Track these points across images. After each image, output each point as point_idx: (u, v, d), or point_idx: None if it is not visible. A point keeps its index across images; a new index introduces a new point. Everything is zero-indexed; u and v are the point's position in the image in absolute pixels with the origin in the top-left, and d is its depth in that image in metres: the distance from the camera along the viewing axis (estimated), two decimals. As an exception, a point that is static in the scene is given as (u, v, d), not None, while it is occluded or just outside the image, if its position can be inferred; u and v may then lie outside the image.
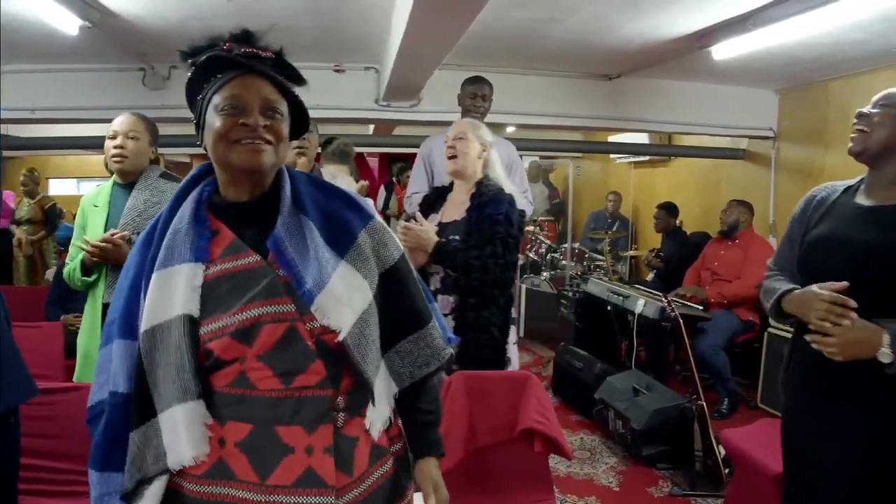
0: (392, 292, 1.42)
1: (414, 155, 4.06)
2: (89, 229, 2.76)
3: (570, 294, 6.67)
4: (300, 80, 1.42)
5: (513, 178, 4.00)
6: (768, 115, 6.39)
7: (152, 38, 4.48)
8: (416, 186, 3.93)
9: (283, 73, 1.39)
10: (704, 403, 3.79)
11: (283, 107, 1.37)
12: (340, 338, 1.28)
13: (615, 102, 6.08)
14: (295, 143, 2.82)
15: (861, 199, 1.99)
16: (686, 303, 5.18)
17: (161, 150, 3.04)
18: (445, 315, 2.78)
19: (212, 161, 1.38)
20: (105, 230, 2.72)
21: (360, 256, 1.37)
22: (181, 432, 1.26)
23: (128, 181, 2.81)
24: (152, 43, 4.63)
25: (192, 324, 1.27)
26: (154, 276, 1.30)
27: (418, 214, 2.87)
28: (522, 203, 3.83)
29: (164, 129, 3.19)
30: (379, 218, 1.47)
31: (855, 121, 1.97)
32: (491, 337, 2.76)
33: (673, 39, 4.54)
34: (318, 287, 1.28)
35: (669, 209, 7.00)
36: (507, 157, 4.03)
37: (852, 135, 1.96)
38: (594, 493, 3.77)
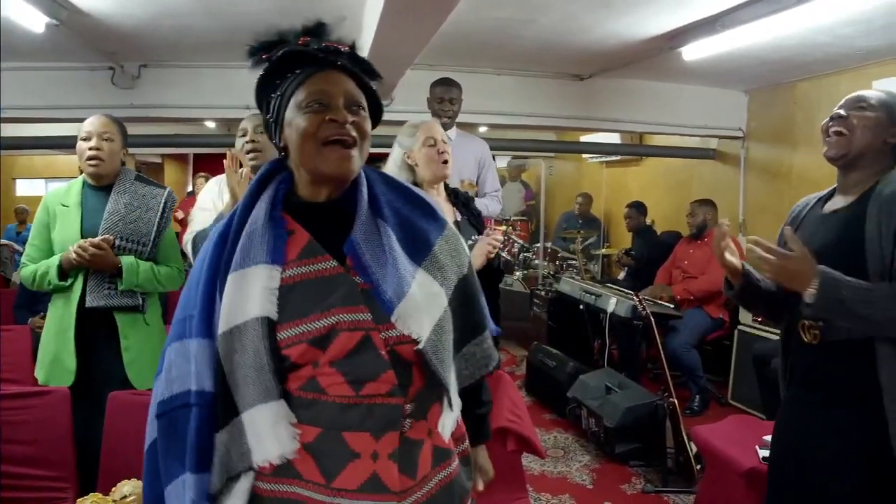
0: (464, 299, 1.42)
1: (386, 155, 4.04)
2: (59, 230, 2.72)
3: (543, 293, 6.69)
4: (375, 75, 1.41)
5: (485, 177, 4.01)
6: (737, 115, 6.46)
7: (121, 36, 4.42)
8: None
9: (360, 68, 1.38)
10: (676, 401, 3.82)
11: (364, 102, 1.36)
12: (421, 345, 1.28)
13: (587, 102, 6.11)
14: (248, 145, 2.77)
15: (827, 206, 2.01)
16: (657, 301, 5.22)
17: (132, 151, 3.02)
18: None
19: (294, 160, 1.36)
20: (81, 232, 2.69)
21: (436, 265, 1.36)
22: (266, 431, 1.26)
23: (101, 183, 2.78)
24: (122, 41, 4.57)
25: (270, 326, 1.26)
26: (230, 277, 1.29)
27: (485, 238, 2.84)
28: (493, 204, 3.84)
29: (134, 130, 3.15)
30: (452, 225, 1.47)
31: (830, 123, 1.95)
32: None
33: (644, 40, 4.57)
34: (397, 296, 1.28)
35: (639, 207, 7.06)
36: (480, 156, 4.04)
37: (828, 139, 1.94)
38: (568, 490, 3.79)
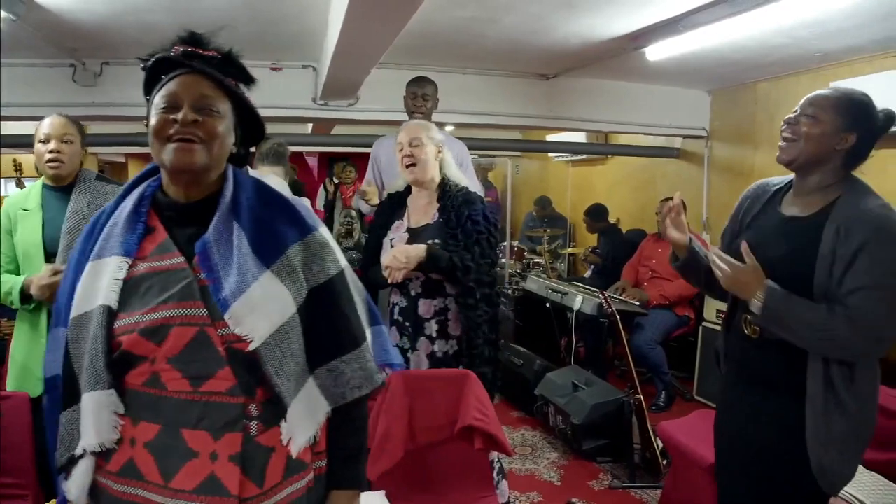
0: (323, 310, 1.40)
1: (353, 154, 4.03)
2: (21, 235, 2.66)
3: (510, 292, 6.71)
4: (248, 80, 1.44)
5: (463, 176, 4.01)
6: (701, 114, 6.54)
7: (83, 33, 4.34)
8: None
9: (229, 73, 1.39)
10: (642, 397, 3.87)
11: (222, 105, 1.36)
12: (252, 347, 1.27)
13: (552, 102, 6.14)
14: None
15: (785, 208, 2.03)
16: (623, 299, 5.27)
17: (95, 150, 2.98)
18: (428, 319, 2.83)
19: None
20: (43, 235, 2.65)
21: (287, 268, 1.35)
22: (88, 419, 1.28)
23: (61, 184, 2.73)
24: (83, 38, 4.49)
25: (110, 315, 1.28)
26: (88, 265, 1.34)
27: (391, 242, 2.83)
28: None
29: (96, 128, 3.10)
30: (322, 232, 1.44)
31: (783, 126, 1.97)
32: (485, 334, 2.81)
33: (608, 40, 4.61)
34: (233, 296, 1.28)
35: (595, 214, 7.11)
36: (458, 156, 4.04)
37: (780, 143, 1.97)
38: (536, 488, 3.81)
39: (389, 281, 2.75)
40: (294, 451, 1.33)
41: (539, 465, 4.12)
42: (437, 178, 2.91)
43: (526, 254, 8.14)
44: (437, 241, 2.79)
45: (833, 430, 1.82)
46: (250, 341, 1.27)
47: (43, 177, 2.76)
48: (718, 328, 4.91)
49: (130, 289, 1.30)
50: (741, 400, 2.05)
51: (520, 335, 6.14)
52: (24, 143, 3.39)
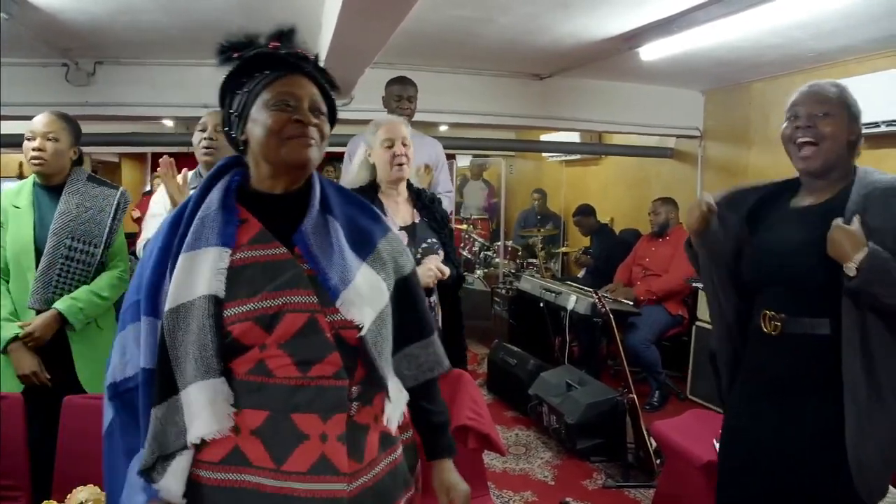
0: (405, 299, 1.50)
1: (342, 154, 4.01)
2: (12, 232, 2.64)
3: (504, 291, 6.72)
4: (335, 86, 1.50)
5: (437, 177, 4.00)
6: (695, 114, 6.56)
7: (76, 32, 4.33)
8: (346, 184, 3.91)
9: (326, 80, 1.48)
10: (636, 396, 3.87)
11: (325, 108, 1.44)
12: (362, 333, 1.34)
13: (546, 102, 6.15)
14: (205, 141, 2.79)
15: (796, 202, 2.00)
16: (617, 298, 5.28)
17: (88, 150, 2.96)
18: None
19: (254, 153, 1.42)
20: (34, 234, 2.64)
21: (379, 261, 1.45)
22: (203, 408, 1.29)
23: (50, 183, 2.72)
24: (76, 37, 4.48)
25: (217, 304, 1.30)
26: (181, 257, 1.34)
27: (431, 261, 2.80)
28: (446, 205, 3.83)
29: (90, 128, 3.09)
30: (393, 231, 1.55)
31: (798, 133, 1.91)
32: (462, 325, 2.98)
33: (602, 40, 4.62)
34: (342, 283, 1.34)
35: (584, 212, 7.12)
36: (434, 157, 4.03)
37: (803, 151, 1.89)
38: (530, 487, 3.81)
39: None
40: (392, 427, 1.44)
41: (533, 465, 4.12)
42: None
43: (520, 253, 8.16)
44: (434, 239, 2.81)
45: (874, 425, 1.76)
46: (360, 327, 1.34)
47: (34, 175, 2.75)
48: (712, 328, 4.94)
49: (233, 278, 1.33)
50: (767, 406, 1.97)
51: (514, 335, 6.15)
52: (13, 142, 3.39)
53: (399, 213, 2.86)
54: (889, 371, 1.78)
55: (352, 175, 2.97)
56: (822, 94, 1.91)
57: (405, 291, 1.51)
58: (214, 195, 1.41)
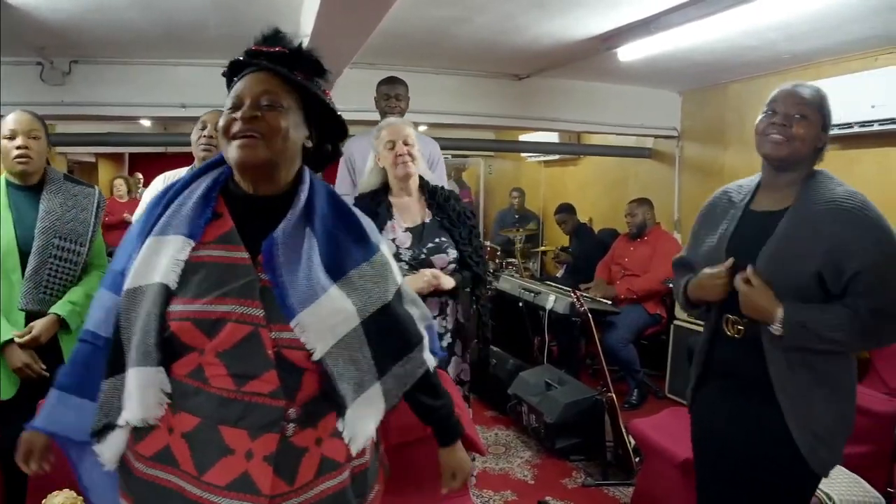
0: (385, 325, 1.42)
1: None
2: None
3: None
4: (320, 72, 1.46)
5: (432, 177, 4.02)
6: (672, 115, 6.61)
7: (51, 30, 4.28)
8: (342, 188, 3.91)
9: (299, 68, 1.42)
10: (614, 395, 3.89)
11: (287, 100, 1.39)
12: (315, 357, 1.30)
13: (525, 102, 6.17)
14: (204, 139, 2.80)
15: (756, 205, 2.05)
16: (595, 297, 5.30)
17: (64, 150, 2.94)
18: (435, 316, 2.88)
19: None
20: (16, 234, 2.59)
21: (352, 286, 1.37)
22: (134, 393, 1.29)
23: (27, 183, 2.68)
24: (51, 35, 4.42)
25: (166, 295, 1.29)
26: (149, 240, 1.35)
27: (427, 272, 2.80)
28: None
29: (65, 128, 3.06)
30: (384, 251, 1.49)
31: (771, 125, 1.95)
32: (487, 316, 3.05)
33: (580, 41, 4.64)
34: (301, 304, 1.29)
35: (568, 210, 7.14)
36: (429, 155, 4.04)
37: (769, 136, 1.94)
38: (510, 487, 3.82)
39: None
40: (355, 449, 1.40)
41: (513, 464, 4.13)
42: (418, 178, 2.92)
43: (499, 253, 8.16)
44: (444, 238, 2.83)
45: (811, 412, 1.86)
46: (311, 351, 1.30)
47: (5, 174, 2.70)
48: (690, 326, 5.00)
49: (189, 272, 1.31)
50: (729, 404, 2.04)
51: (493, 334, 6.13)
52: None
53: (408, 213, 2.87)
54: (816, 362, 1.88)
55: (363, 181, 3.03)
56: (802, 96, 1.94)
57: (385, 317, 1.43)
58: (200, 184, 1.40)
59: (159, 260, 1.31)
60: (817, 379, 1.88)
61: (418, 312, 1.55)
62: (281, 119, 1.36)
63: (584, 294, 5.10)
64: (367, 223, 1.50)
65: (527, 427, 4.47)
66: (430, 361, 1.54)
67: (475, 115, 6.13)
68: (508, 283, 5.99)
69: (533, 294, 5.41)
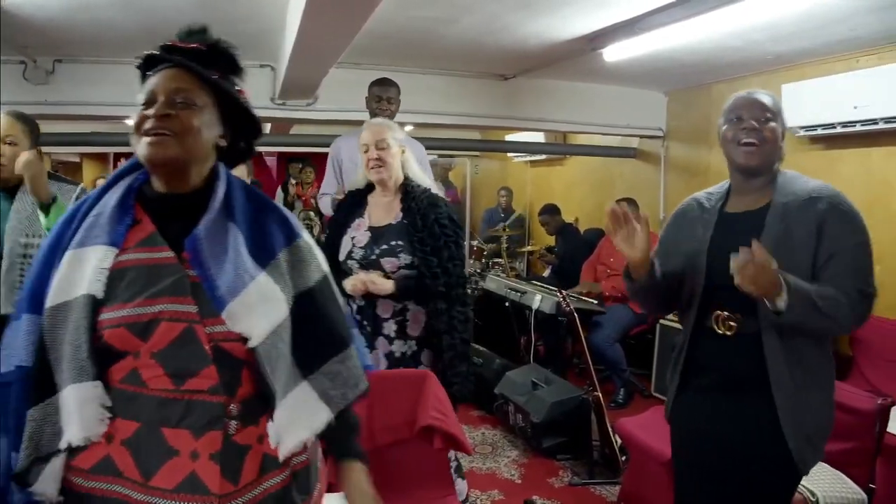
0: (312, 313, 1.40)
1: (311, 154, 4.01)
2: None
3: (470, 291, 6.73)
4: (235, 70, 1.44)
5: None
6: (658, 115, 6.64)
7: (34, 29, 4.24)
8: (328, 188, 3.91)
9: (215, 65, 1.40)
10: (601, 394, 3.91)
11: (201, 98, 1.36)
12: (251, 345, 1.28)
13: (511, 102, 6.18)
14: None
15: (731, 208, 2.09)
16: (581, 297, 5.32)
17: (48, 149, 2.90)
18: (386, 319, 2.83)
19: None
20: None
21: (279, 271, 1.36)
22: (73, 413, 1.24)
23: (7, 185, 2.66)
24: (34, 34, 4.38)
25: (94, 306, 1.25)
26: (67, 254, 1.30)
27: (362, 274, 2.78)
28: None
29: (50, 127, 3.03)
30: (306, 238, 1.46)
31: (742, 133, 1.98)
32: (460, 334, 2.81)
33: (566, 41, 4.64)
34: (230, 294, 1.28)
35: (552, 211, 7.16)
36: (416, 158, 4.04)
37: (743, 147, 1.98)
38: (497, 486, 3.83)
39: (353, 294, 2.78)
40: (282, 453, 1.33)
41: (499, 464, 4.14)
42: (400, 178, 2.91)
43: (485, 252, 8.18)
44: (400, 242, 2.79)
45: (803, 413, 1.89)
46: (245, 340, 1.28)
47: None
48: (676, 326, 5.01)
49: (115, 280, 1.28)
50: (714, 402, 2.04)
51: (479, 334, 6.14)
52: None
53: (377, 212, 2.88)
54: (810, 360, 1.92)
55: (353, 179, 3.06)
56: (764, 101, 2.01)
57: (311, 304, 1.40)
58: (114, 194, 1.37)
59: (81, 272, 1.28)
60: (813, 380, 1.91)
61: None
62: (194, 118, 1.34)
63: (571, 293, 5.12)
64: (289, 214, 1.49)
65: (513, 426, 4.48)
66: (365, 381, 1.48)
67: (461, 115, 6.13)
68: (495, 282, 6.01)
69: (519, 293, 5.42)
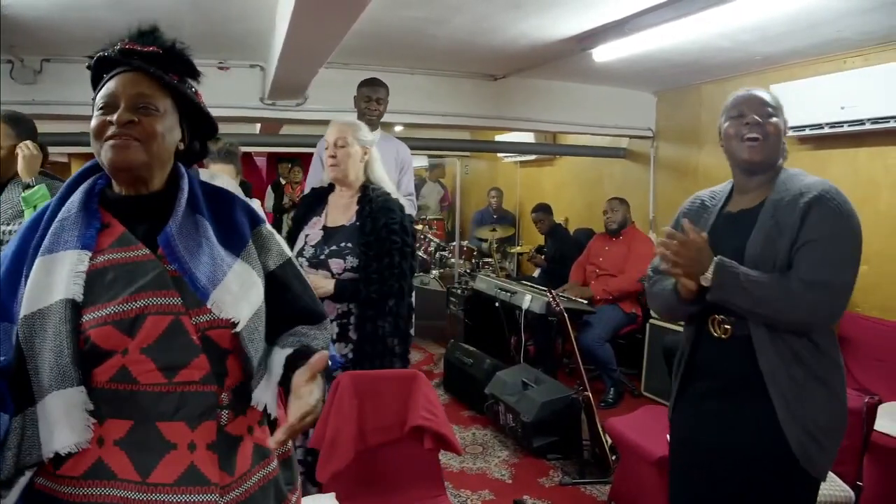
0: (280, 295, 1.44)
1: (301, 154, 4.00)
2: None
3: (460, 291, 6.74)
4: (193, 74, 1.43)
5: (402, 178, 4.01)
6: (647, 115, 6.66)
7: (21, 28, 4.21)
8: (312, 184, 3.90)
9: (172, 69, 1.38)
10: (591, 394, 3.91)
11: (162, 102, 1.35)
12: (238, 329, 1.29)
13: (501, 102, 6.18)
14: None
15: (731, 208, 2.08)
16: (571, 297, 5.32)
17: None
18: (332, 321, 2.78)
19: None
20: None
21: (252, 257, 1.41)
22: (59, 420, 1.22)
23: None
24: (21, 34, 4.35)
25: (74, 309, 1.24)
26: (38, 261, 1.28)
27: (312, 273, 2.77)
28: (408, 207, 3.84)
29: (39, 127, 3.01)
30: (266, 224, 1.50)
31: (745, 128, 1.98)
32: (387, 347, 2.78)
33: (556, 41, 4.65)
34: (212, 283, 1.30)
35: (546, 210, 7.18)
36: (399, 159, 4.04)
37: (746, 143, 1.98)
38: (487, 486, 3.83)
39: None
40: (272, 410, 1.36)
41: (490, 464, 4.14)
42: (360, 180, 2.90)
43: (475, 253, 8.18)
44: (349, 244, 2.78)
45: (803, 409, 1.86)
46: (235, 323, 1.30)
47: None
48: (666, 325, 5.04)
49: (92, 282, 1.27)
50: (715, 405, 2.02)
51: (470, 334, 6.17)
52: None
53: (334, 213, 2.88)
54: (806, 357, 1.89)
55: (320, 176, 3.02)
56: (764, 98, 2.02)
57: (281, 283, 1.45)
58: (75, 198, 1.35)
59: (54, 278, 1.26)
60: (810, 375, 1.88)
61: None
62: (157, 124, 1.33)
63: (560, 294, 5.13)
64: (250, 202, 1.51)
65: (504, 426, 4.48)
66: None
67: (451, 115, 6.13)
68: (485, 282, 6.01)
69: (509, 294, 5.42)
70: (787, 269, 1.86)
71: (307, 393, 1.25)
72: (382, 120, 4.16)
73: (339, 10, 3.13)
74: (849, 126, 4.30)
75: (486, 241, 8.05)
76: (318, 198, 2.99)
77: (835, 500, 2.66)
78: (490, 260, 7.81)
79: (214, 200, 1.44)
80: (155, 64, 1.36)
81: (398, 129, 7.23)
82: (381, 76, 4.05)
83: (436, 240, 8.82)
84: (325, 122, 2.96)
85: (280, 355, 1.38)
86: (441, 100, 6.00)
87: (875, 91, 4.14)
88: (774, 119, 1.99)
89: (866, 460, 2.75)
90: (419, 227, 8.92)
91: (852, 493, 2.67)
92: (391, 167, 3.92)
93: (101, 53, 1.37)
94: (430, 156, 10.60)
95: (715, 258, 1.85)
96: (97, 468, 1.24)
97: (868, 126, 4.22)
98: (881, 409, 2.72)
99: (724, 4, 3.53)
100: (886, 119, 4.13)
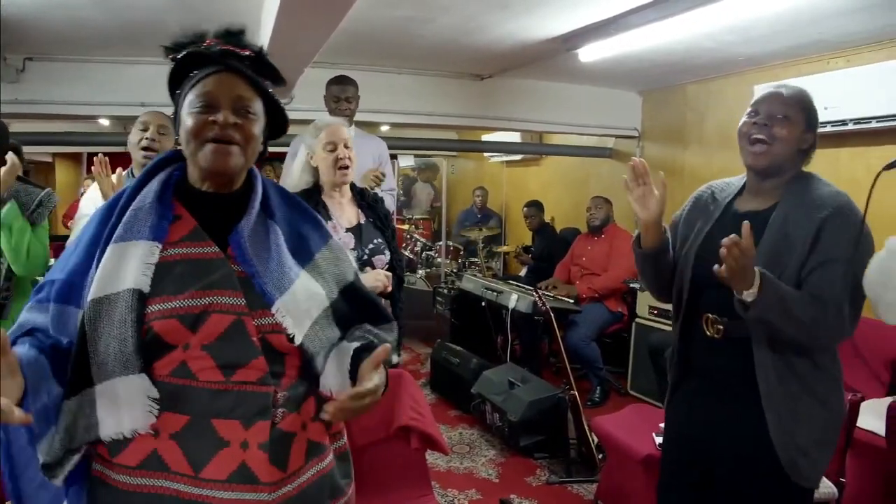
0: (356, 304, 1.48)
1: (285, 154, 3.97)
2: None
3: (446, 291, 6.74)
4: (279, 80, 1.45)
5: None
6: (633, 115, 6.69)
7: (4, 26, 4.18)
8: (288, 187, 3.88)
9: (262, 73, 1.41)
10: (577, 393, 3.93)
11: (257, 106, 1.38)
12: (297, 342, 1.32)
13: (487, 102, 6.19)
14: (146, 141, 2.72)
15: (739, 205, 2.02)
16: (557, 296, 5.34)
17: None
18: None
19: (186, 154, 1.38)
20: None
21: (317, 270, 1.42)
22: (120, 405, 1.25)
23: None
24: (4, 32, 4.31)
25: (140, 299, 1.26)
26: (110, 247, 1.30)
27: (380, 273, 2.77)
28: (389, 202, 3.83)
29: (21, 126, 3.00)
30: (334, 238, 1.52)
31: (752, 129, 1.93)
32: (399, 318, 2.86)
33: (542, 41, 4.67)
34: (279, 290, 1.32)
35: (538, 206, 7.20)
36: (377, 155, 4.03)
37: (754, 147, 1.91)
38: (474, 486, 3.83)
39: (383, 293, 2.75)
40: (335, 390, 1.37)
41: (477, 463, 4.15)
42: None
43: (461, 252, 8.19)
44: (379, 241, 2.81)
45: (796, 423, 1.84)
46: (292, 335, 1.32)
47: None
48: (651, 324, 5.05)
49: (161, 274, 1.29)
50: (710, 405, 2.01)
51: (456, 334, 6.18)
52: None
53: (344, 214, 2.85)
54: (805, 373, 1.86)
55: (294, 178, 2.91)
56: (784, 96, 1.92)
57: (355, 295, 1.48)
58: (151, 188, 1.36)
59: (126, 266, 1.28)
60: (806, 390, 1.85)
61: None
62: (254, 127, 1.37)
63: (546, 293, 5.14)
64: (318, 216, 1.54)
65: (491, 426, 4.49)
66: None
67: (437, 115, 6.13)
68: (471, 282, 6.01)
69: (495, 293, 5.43)
70: (794, 285, 1.80)
71: (368, 379, 1.30)
72: (370, 119, 4.15)
73: (325, 9, 3.12)
74: (832, 126, 4.32)
75: (470, 238, 8.05)
76: (312, 203, 2.93)
77: (818, 496, 2.69)
78: (476, 259, 7.82)
79: (287, 207, 1.47)
80: (248, 67, 1.38)
81: (385, 128, 7.23)
82: (366, 76, 4.04)
83: (422, 239, 8.82)
84: (313, 122, 2.93)
85: (348, 348, 1.40)
86: (427, 99, 6.00)
87: (857, 92, 4.18)
88: (788, 122, 1.89)
89: (849, 457, 2.77)
90: (405, 226, 8.92)
91: (835, 490, 2.69)
92: (370, 164, 3.90)
93: (192, 49, 1.36)
94: (417, 156, 10.60)
95: (761, 276, 1.72)
96: (152, 459, 1.26)
97: (850, 126, 4.25)
98: (864, 406, 2.75)
99: (708, 5, 3.55)
100: (868, 119, 4.17)
